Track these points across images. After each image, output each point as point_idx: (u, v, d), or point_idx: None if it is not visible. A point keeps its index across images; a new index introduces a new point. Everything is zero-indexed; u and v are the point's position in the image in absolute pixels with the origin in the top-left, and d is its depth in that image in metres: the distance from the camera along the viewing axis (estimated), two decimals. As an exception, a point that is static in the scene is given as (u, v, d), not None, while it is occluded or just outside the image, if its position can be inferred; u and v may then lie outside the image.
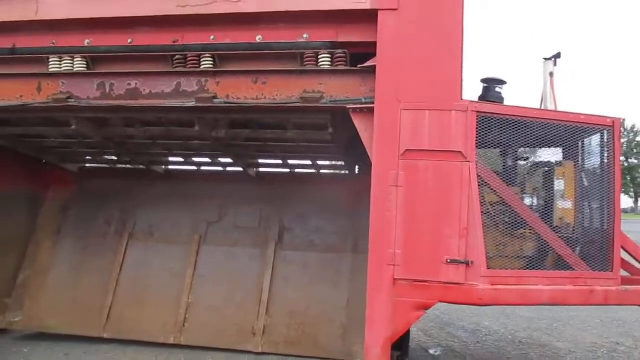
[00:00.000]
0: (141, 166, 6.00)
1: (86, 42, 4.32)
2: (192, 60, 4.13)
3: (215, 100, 4.04)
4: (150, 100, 4.18)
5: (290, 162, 5.85)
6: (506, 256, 3.69)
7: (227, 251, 5.72)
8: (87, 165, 6.42)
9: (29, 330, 5.73)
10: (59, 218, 6.14)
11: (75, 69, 4.31)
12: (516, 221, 3.69)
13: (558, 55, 4.85)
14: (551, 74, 4.81)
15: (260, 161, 5.90)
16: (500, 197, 3.68)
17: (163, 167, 6.14)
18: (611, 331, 6.31)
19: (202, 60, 4.13)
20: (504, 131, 3.67)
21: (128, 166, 6.38)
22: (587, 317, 6.87)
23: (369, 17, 3.84)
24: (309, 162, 5.89)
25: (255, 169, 5.90)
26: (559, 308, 7.18)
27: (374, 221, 3.68)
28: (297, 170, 6.09)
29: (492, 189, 3.66)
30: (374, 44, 3.89)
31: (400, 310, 3.61)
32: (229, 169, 6.08)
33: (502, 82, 4.10)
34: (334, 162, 5.90)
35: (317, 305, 5.30)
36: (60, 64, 4.35)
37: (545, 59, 4.87)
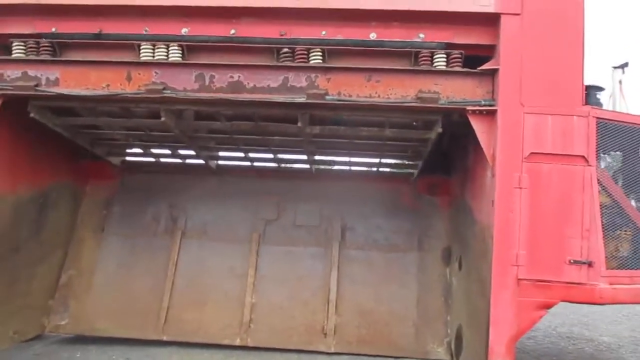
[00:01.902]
0: (200, 161, 5.76)
1: (183, 31, 4.10)
2: (300, 54, 4.02)
3: (327, 97, 3.96)
4: (255, 95, 4.04)
5: (353, 160, 5.80)
6: (619, 257, 3.84)
7: (287, 250, 5.61)
8: (128, 158, 6.09)
9: (75, 334, 5.37)
10: (101, 215, 5.80)
11: (170, 59, 4.09)
12: (631, 223, 3.85)
13: (626, 64, 5.07)
14: (620, 82, 5.03)
15: (320, 158, 5.80)
16: (615, 200, 3.83)
17: (216, 162, 5.92)
18: (640, 324, 6.65)
19: (310, 55, 4.03)
20: (621, 137, 3.81)
21: (172, 160, 6.12)
22: (608, 312, 7.23)
23: (487, 20, 3.89)
24: (373, 161, 5.87)
25: (315, 166, 5.81)
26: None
27: (498, 222, 3.71)
28: (354, 168, 6.06)
29: (608, 192, 3.79)
30: (489, 47, 3.96)
31: (524, 310, 3.67)
32: (284, 165, 5.96)
33: (600, 89, 4.25)
34: (397, 161, 5.89)
35: (387, 304, 5.31)
36: (153, 53, 4.11)
37: (614, 67, 5.08)
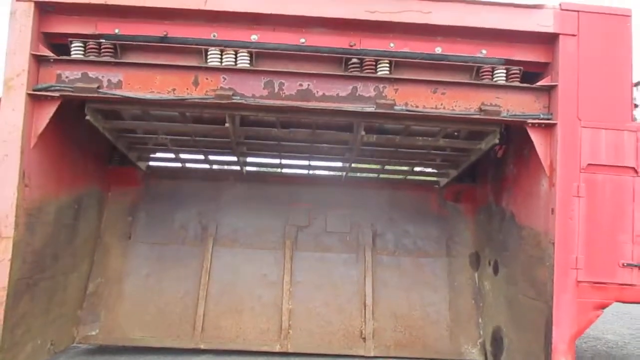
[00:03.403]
0: (228, 167, 5.73)
1: (253, 38, 4.12)
2: (368, 65, 4.14)
3: (396, 107, 4.10)
4: (324, 103, 4.12)
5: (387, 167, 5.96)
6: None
7: (320, 256, 5.68)
8: (153, 164, 5.96)
9: (107, 344, 5.19)
10: (127, 222, 5.64)
11: (239, 65, 4.10)
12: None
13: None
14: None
15: (355, 165, 5.91)
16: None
17: (246, 168, 5.91)
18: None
19: (378, 66, 4.15)
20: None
21: (198, 166, 6.05)
22: (618, 312, 7.68)
23: (545, 39, 4.16)
24: (402, 168, 6.05)
25: (345, 173, 5.92)
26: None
27: (559, 228, 3.97)
28: (382, 176, 6.21)
29: (653, 201, 4.14)
30: (543, 64, 4.24)
31: (582, 310, 3.95)
32: (313, 172, 6.03)
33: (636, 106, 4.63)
34: (430, 170, 6.09)
35: (420, 308, 5.48)
36: (220, 58, 4.10)
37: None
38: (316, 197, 5.90)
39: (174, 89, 4.06)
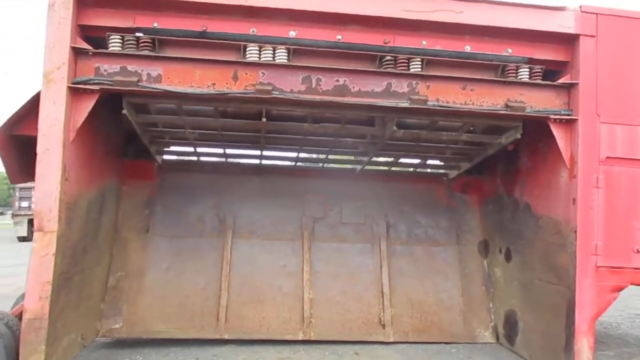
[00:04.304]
0: (250, 160, 5.79)
1: (291, 34, 4.20)
2: (402, 62, 4.29)
3: (429, 103, 4.27)
4: (359, 98, 4.25)
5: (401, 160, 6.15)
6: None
7: (337, 247, 5.83)
8: (168, 157, 5.96)
9: (131, 337, 5.20)
10: (143, 215, 5.63)
11: (277, 61, 4.18)
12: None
13: None
14: None
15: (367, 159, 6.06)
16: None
17: (260, 161, 5.99)
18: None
19: (411, 63, 4.31)
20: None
21: (213, 159, 6.09)
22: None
23: (565, 39, 4.42)
24: (414, 161, 6.25)
25: (362, 166, 6.08)
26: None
27: (581, 217, 4.25)
28: (394, 168, 6.40)
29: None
30: (563, 63, 4.50)
31: (601, 293, 4.26)
32: (327, 165, 6.15)
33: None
34: (443, 162, 6.30)
35: (434, 295, 5.72)
36: (259, 53, 4.17)
37: None
38: (330, 189, 6.04)
39: (213, 84, 4.10)
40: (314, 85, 4.20)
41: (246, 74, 4.14)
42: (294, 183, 6.03)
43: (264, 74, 4.16)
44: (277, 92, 4.13)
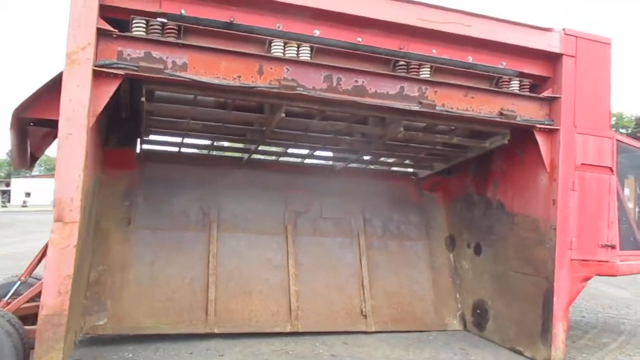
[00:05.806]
0: (233, 154, 5.74)
1: (315, 32, 4.29)
2: (413, 68, 4.56)
3: (437, 108, 4.59)
4: (375, 99, 4.45)
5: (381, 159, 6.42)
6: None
7: (318, 241, 5.98)
8: (145, 147, 5.73)
9: (115, 333, 4.96)
10: (124, 206, 5.38)
11: (300, 58, 4.25)
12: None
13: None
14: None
15: (348, 156, 6.28)
16: (621, 200, 5.26)
17: (246, 155, 5.96)
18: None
19: (421, 69, 4.60)
20: (626, 154, 5.26)
21: (195, 151, 5.96)
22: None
23: (549, 57, 4.96)
24: (389, 160, 6.56)
25: (342, 164, 6.27)
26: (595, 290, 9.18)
27: (560, 216, 4.81)
28: (370, 166, 6.66)
29: (619, 195, 5.20)
30: (544, 78, 5.04)
31: (574, 283, 4.86)
32: (309, 161, 6.27)
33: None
34: (417, 163, 6.65)
35: (408, 287, 6.10)
36: (283, 49, 4.22)
37: None
38: (310, 185, 6.18)
39: (239, 76, 4.08)
40: (334, 84, 4.33)
41: (271, 68, 4.17)
42: (276, 178, 6.08)
43: (288, 69, 4.21)
44: (301, 89, 4.20)
